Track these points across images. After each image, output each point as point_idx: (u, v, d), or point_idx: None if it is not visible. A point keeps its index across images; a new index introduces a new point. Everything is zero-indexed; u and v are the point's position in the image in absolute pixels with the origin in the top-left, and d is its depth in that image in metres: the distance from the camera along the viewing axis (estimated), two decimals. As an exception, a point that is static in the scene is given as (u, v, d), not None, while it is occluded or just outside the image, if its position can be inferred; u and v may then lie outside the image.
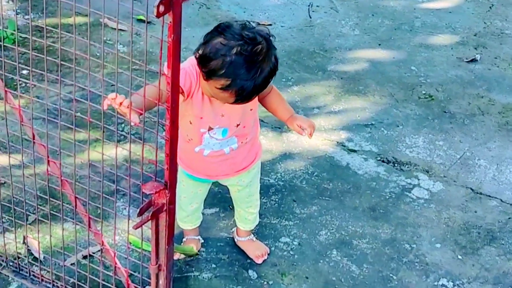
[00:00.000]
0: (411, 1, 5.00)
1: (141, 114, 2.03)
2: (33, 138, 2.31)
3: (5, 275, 2.66)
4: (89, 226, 2.42)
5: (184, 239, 2.86)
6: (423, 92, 4.04)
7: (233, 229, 2.94)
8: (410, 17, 4.82)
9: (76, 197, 2.39)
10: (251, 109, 2.44)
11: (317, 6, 4.86)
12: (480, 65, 4.32)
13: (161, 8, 1.68)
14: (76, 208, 2.40)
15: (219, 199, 3.12)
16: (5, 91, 2.32)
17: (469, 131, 3.74)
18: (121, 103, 1.99)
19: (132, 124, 2.01)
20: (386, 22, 4.74)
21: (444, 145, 3.63)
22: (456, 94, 4.03)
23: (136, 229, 2.12)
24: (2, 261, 2.68)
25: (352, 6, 4.89)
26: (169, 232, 2.21)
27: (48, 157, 2.34)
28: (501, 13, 4.92)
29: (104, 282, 2.47)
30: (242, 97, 2.21)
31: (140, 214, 2.11)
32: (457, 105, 3.95)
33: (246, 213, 2.80)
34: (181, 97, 2.29)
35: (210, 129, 2.39)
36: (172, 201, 2.15)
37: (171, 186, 2.12)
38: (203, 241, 2.90)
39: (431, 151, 3.58)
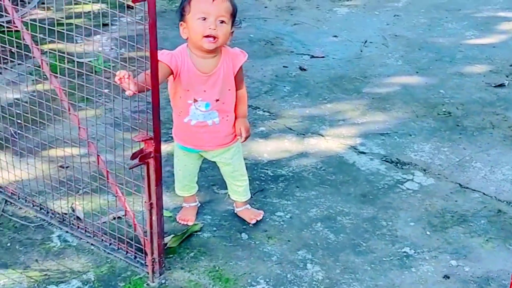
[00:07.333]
0: (458, 38, 5.50)
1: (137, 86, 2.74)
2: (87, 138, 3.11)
3: (51, 225, 3.43)
4: (116, 192, 3.12)
5: (184, 205, 3.50)
6: (444, 110, 4.51)
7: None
8: (454, 51, 5.31)
9: (107, 171, 3.11)
10: (229, 89, 3.11)
11: (370, 42, 5.46)
12: (507, 89, 4.74)
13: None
14: (108, 179, 3.11)
15: (233, 183, 3.76)
16: (68, 106, 3.13)
17: (475, 141, 4.17)
18: (124, 76, 2.72)
19: (127, 92, 2.74)
20: (429, 55, 5.26)
21: (447, 151, 4.09)
22: (473, 112, 4.48)
23: (130, 169, 2.82)
24: (52, 214, 3.47)
25: (402, 42, 5.46)
26: (156, 175, 2.86)
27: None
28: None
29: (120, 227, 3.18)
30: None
31: (133, 158, 2.79)
32: (471, 120, 4.39)
33: (235, 186, 3.42)
34: (171, 77, 3.01)
35: (195, 100, 3.07)
36: (157, 150, 2.79)
37: (156, 137, 2.78)
38: (200, 205, 3.55)
39: (434, 155, 4.05)
